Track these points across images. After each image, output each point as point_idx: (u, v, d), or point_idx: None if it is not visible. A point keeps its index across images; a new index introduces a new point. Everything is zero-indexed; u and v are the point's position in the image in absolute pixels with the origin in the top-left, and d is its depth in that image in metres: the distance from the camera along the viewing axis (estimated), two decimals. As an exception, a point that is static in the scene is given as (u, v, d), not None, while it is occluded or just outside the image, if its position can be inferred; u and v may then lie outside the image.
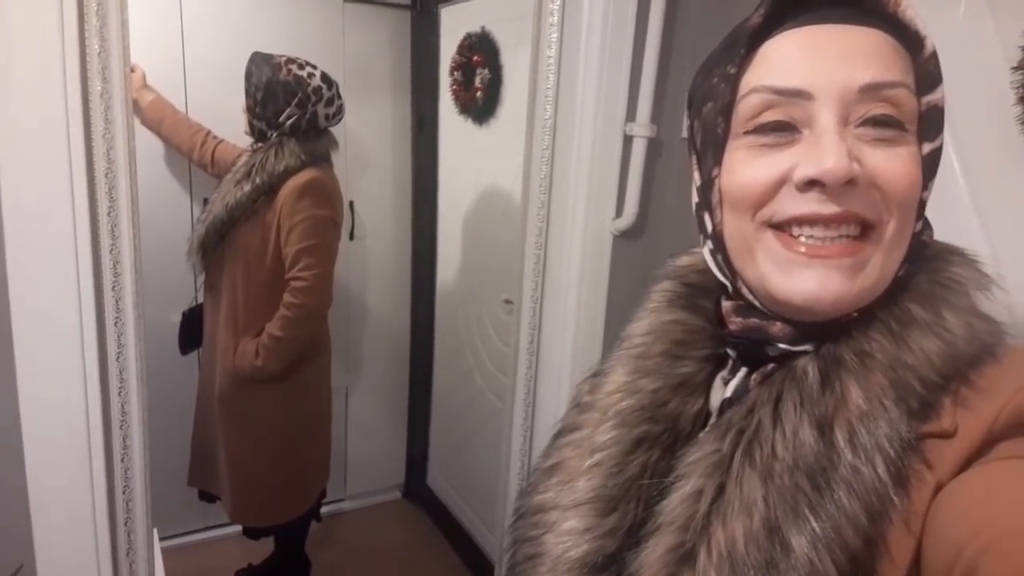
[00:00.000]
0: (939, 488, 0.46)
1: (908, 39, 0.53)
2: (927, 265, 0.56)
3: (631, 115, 1.55)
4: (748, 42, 0.55)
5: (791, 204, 0.52)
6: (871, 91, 0.51)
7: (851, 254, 0.51)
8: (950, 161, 0.96)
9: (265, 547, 2.50)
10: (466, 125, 2.56)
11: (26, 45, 1.07)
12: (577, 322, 1.60)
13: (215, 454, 2.22)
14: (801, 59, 0.52)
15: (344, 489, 3.05)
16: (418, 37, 2.76)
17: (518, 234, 1.69)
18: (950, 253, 0.57)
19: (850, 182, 0.50)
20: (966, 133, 0.95)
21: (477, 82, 2.43)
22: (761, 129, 0.54)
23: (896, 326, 0.52)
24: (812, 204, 0.51)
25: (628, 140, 1.56)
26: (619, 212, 1.59)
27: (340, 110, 2.11)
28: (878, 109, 0.51)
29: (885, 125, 0.51)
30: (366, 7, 2.68)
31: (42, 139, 1.09)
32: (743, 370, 0.59)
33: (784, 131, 0.53)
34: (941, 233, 0.60)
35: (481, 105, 2.43)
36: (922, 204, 0.54)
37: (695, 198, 0.62)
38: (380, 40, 2.74)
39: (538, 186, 1.61)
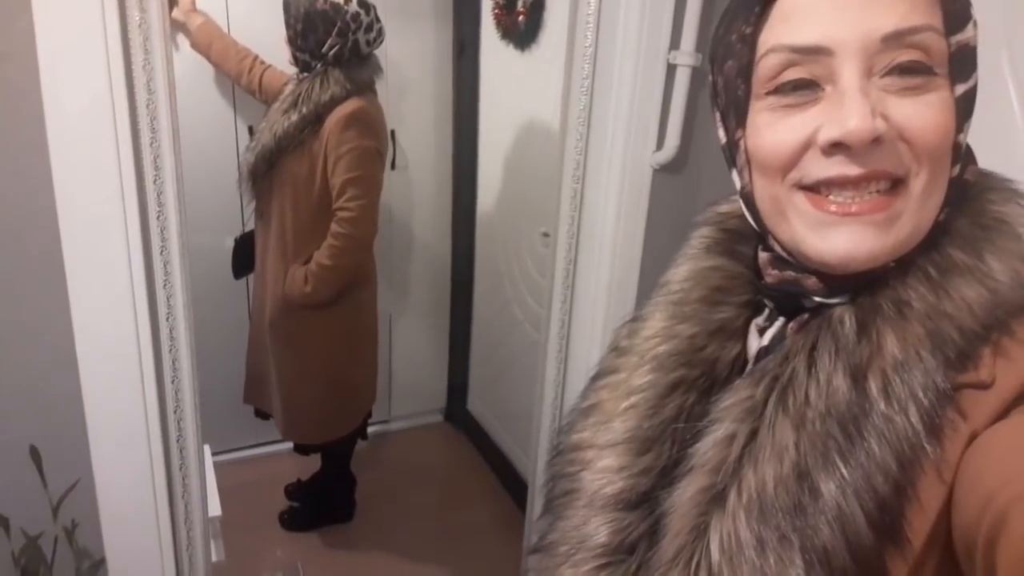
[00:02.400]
0: (973, 438, 0.46)
1: None
2: (968, 206, 0.54)
3: (675, 43, 1.49)
4: (763, 1, 0.52)
5: (818, 167, 0.51)
6: (895, 39, 0.48)
7: (882, 209, 0.50)
8: (1006, 87, 0.92)
9: (313, 463, 2.62)
10: (508, 51, 2.51)
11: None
12: (613, 257, 1.59)
13: (267, 375, 2.32)
14: (818, 12, 0.50)
15: (389, 411, 3.16)
16: (460, -42, 2.68)
17: (556, 165, 1.67)
18: (992, 190, 0.55)
19: (876, 140, 0.48)
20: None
21: (520, 5, 2.36)
22: (782, 89, 0.52)
23: (935, 273, 0.51)
24: (839, 166, 0.50)
25: (671, 69, 1.51)
26: (660, 145, 1.56)
27: (380, 33, 2.09)
28: (904, 56, 0.49)
29: (912, 72, 0.49)
30: (407, -73, 2.60)
31: (83, 73, 1.11)
32: (780, 320, 0.59)
33: (806, 89, 0.51)
34: (995, 164, 0.57)
35: (523, 30, 2.37)
36: (957, 147, 0.52)
37: (723, 155, 0.61)
38: (421, -39, 2.67)
39: (577, 116, 1.58)
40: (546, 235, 2.28)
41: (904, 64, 0.49)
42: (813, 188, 0.52)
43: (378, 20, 2.07)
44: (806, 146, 0.51)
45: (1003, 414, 0.46)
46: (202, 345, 1.39)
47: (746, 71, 0.54)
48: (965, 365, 0.48)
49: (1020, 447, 0.43)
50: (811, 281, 0.56)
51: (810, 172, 0.51)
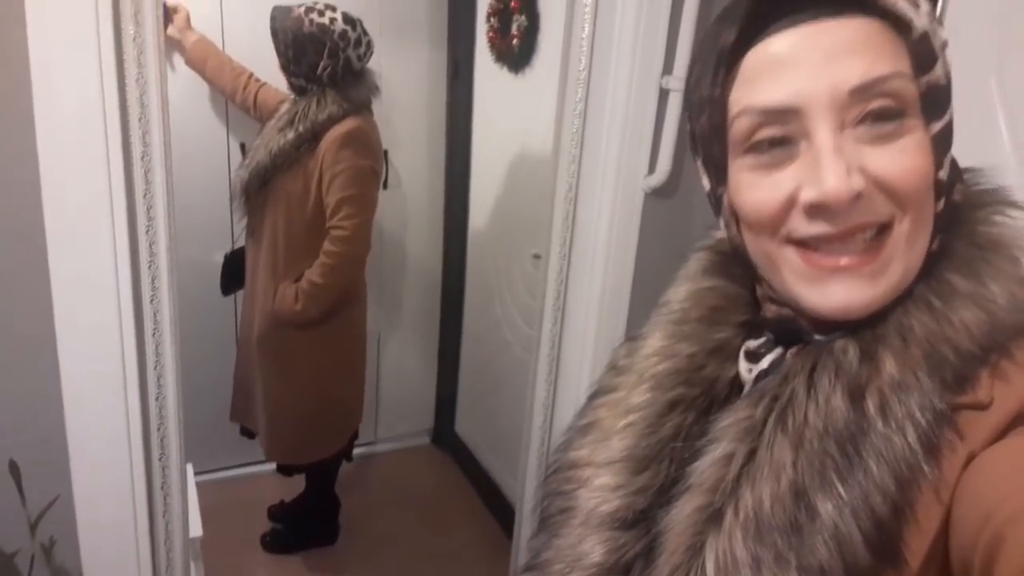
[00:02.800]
0: (971, 458, 0.46)
1: (895, 22, 0.50)
2: (961, 228, 0.54)
3: (668, 68, 1.50)
4: (728, 60, 0.53)
5: (803, 225, 0.51)
6: (863, 91, 0.49)
7: (872, 259, 0.50)
8: (995, 113, 0.93)
9: (297, 484, 2.59)
10: (501, 73, 2.52)
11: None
12: (604, 279, 1.59)
13: (254, 392, 2.30)
14: (784, 71, 0.50)
15: (375, 432, 3.13)
16: (456, -19, 2.71)
17: (549, 187, 1.68)
18: (983, 207, 0.55)
19: (856, 196, 0.49)
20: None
21: (514, 29, 2.38)
22: (758, 147, 0.52)
23: (936, 300, 0.51)
24: (822, 225, 0.50)
25: (664, 94, 1.52)
26: (652, 169, 1.56)
27: (369, 47, 2.10)
28: (875, 104, 0.49)
29: (884, 119, 0.49)
30: (404, -50, 2.63)
31: (76, 84, 1.10)
32: (779, 349, 0.59)
33: (782, 147, 0.51)
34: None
35: (517, 53, 2.39)
36: (938, 183, 0.52)
37: (709, 201, 0.62)
38: (418, -16, 2.69)
39: (570, 139, 1.59)
40: (537, 257, 2.28)
41: (875, 112, 0.49)
42: (802, 243, 0.52)
43: (365, 33, 2.08)
44: (790, 205, 0.51)
45: (1001, 435, 0.46)
46: (187, 362, 1.37)
47: (720, 130, 0.55)
48: (963, 387, 0.48)
49: (1017, 467, 0.44)
50: (806, 321, 0.56)
51: (796, 229, 0.52)
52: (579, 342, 1.65)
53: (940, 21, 1.02)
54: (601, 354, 1.59)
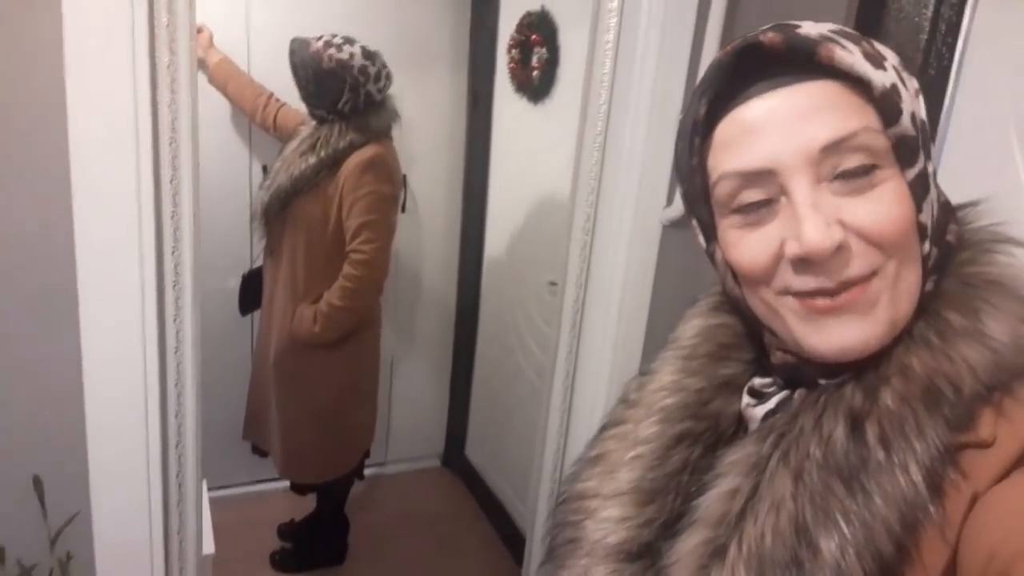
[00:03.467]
0: (975, 498, 0.47)
1: (855, 82, 0.52)
2: (954, 268, 0.55)
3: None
4: (702, 130, 0.56)
5: (793, 280, 0.53)
6: (834, 147, 0.51)
7: (862, 294, 0.52)
8: (1015, 165, 0.94)
9: (308, 503, 2.60)
10: (521, 103, 2.56)
11: (99, 16, 1.11)
12: (621, 309, 1.60)
13: (268, 412, 2.31)
14: (755, 136, 0.53)
15: (386, 453, 3.14)
16: (478, 13, 2.76)
17: (566, 216, 1.70)
18: (971, 247, 0.56)
19: (838, 248, 0.50)
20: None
21: (534, 61, 2.42)
22: (742, 209, 0.55)
23: (935, 338, 0.52)
24: (811, 280, 0.52)
25: (683, 128, 1.54)
26: (670, 201, 1.58)
27: (388, 78, 2.14)
28: (847, 162, 0.51)
29: (858, 174, 0.51)
30: (428, -20, 2.68)
31: (111, 109, 1.13)
32: (785, 392, 0.60)
33: (764, 206, 0.54)
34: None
35: (537, 84, 2.42)
36: (922, 227, 0.54)
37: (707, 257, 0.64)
38: (440, 15, 2.74)
39: (588, 171, 1.61)
40: (553, 284, 2.30)
41: (849, 169, 0.51)
42: (797, 295, 0.54)
43: (384, 66, 2.12)
44: (778, 258, 0.53)
45: (1005, 474, 0.47)
46: (204, 379, 1.39)
47: (704, 195, 0.58)
48: (965, 424, 0.49)
49: (1021, 507, 0.44)
50: (811, 368, 0.57)
51: (788, 283, 0.54)
52: (594, 371, 1.66)
53: (959, 71, 1.04)
54: (616, 383, 1.59)
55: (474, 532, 2.86)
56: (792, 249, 0.52)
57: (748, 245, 0.55)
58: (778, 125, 0.52)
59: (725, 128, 0.55)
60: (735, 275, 0.59)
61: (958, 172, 1.03)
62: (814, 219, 0.50)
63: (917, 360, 0.52)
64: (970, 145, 1.05)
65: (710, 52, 1.48)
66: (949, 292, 0.54)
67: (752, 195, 0.54)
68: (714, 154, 0.56)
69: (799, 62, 0.52)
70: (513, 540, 2.67)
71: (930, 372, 0.50)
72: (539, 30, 2.39)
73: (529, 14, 2.43)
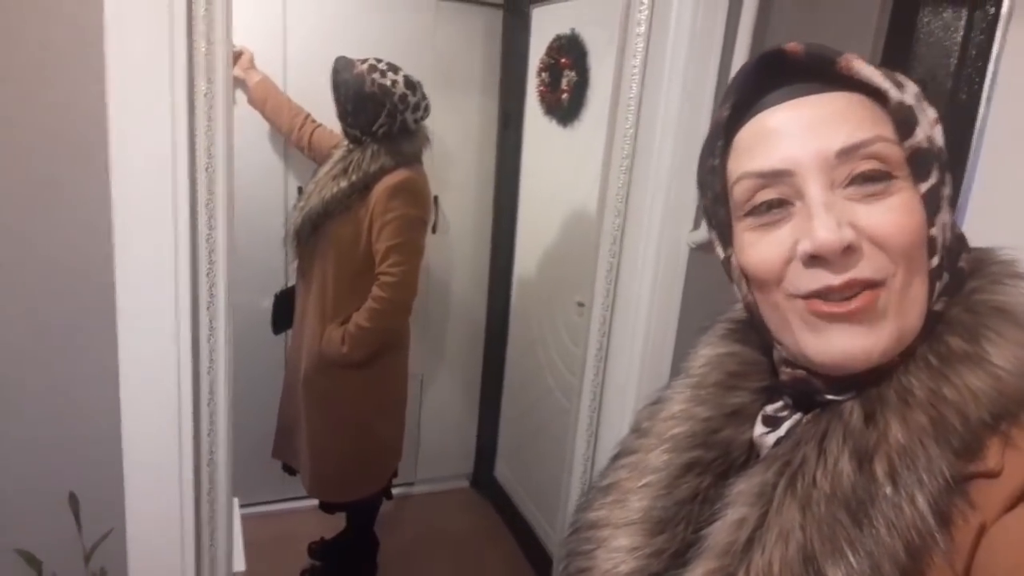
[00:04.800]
0: (983, 528, 0.46)
1: (873, 94, 0.55)
2: (961, 295, 0.56)
3: (714, 126, 1.53)
4: (724, 133, 0.59)
5: (803, 280, 0.54)
6: (848, 153, 0.53)
7: (869, 304, 0.52)
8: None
9: (338, 521, 2.61)
10: (550, 126, 2.58)
11: (140, 44, 1.15)
12: (647, 331, 1.60)
13: (297, 430, 2.34)
14: (774, 139, 0.55)
15: (415, 473, 3.14)
16: (509, 36, 2.79)
17: (594, 238, 1.70)
18: (980, 276, 0.57)
19: (848, 248, 0.51)
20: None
21: (564, 84, 2.44)
22: (757, 210, 0.56)
23: (936, 361, 0.53)
24: (821, 278, 0.53)
25: (710, 151, 1.54)
26: (696, 224, 1.58)
27: (426, 109, 2.18)
28: (861, 167, 0.53)
29: (872, 180, 0.53)
30: (460, 5, 2.73)
31: (150, 134, 1.17)
32: (798, 414, 0.60)
33: (779, 208, 0.55)
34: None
35: (566, 107, 2.44)
36: (931, 241, 0.54)
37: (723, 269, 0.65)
38: (471, 38, 2.78)
39: (615, 194, 1.62)
40: (581, 304, 2.30)
41: (863, 173, 0.53)
42: (806, 298, 0.55)
43: (424, 97, 2.16)
44: (788, 259, 0.55)
45: (1014, 503, 0.46)
46: (235, 397, 1.42)
47: (722, 198, 0.60)
48: (972, 454, 0.49)
49: None
50: (818, 381, 0.58)
51: (799, 285, 0.54)
52: (621, 394, 1.66)
53: (989, 95, 1.03)
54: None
55: (502, 554, 2.85)
56: (804, 247, 0.53)
57: (761, 246, 0.56)
58: (797, 130, 0.54)
59: (746, 132, 0.57)
60: (749, 282, 0.60)
61: (990, 195, 1.01)
62: (826, 218, 0.52)
63: (917, 382, 0.52)
64: (1001, 168, 1.04)
65: (737, 76, 1.48)
66: (954, 318, 0.55)
67: (767, 195, 0.55)
68: (735, 156, 0.58)
69: (820, 72, 0.55)
70: (540, 562, 2.65)
71: (933, 399, 0.51)
72: (568, 53, 2.41)
73: (559, 38, 2.46)
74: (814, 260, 0.53)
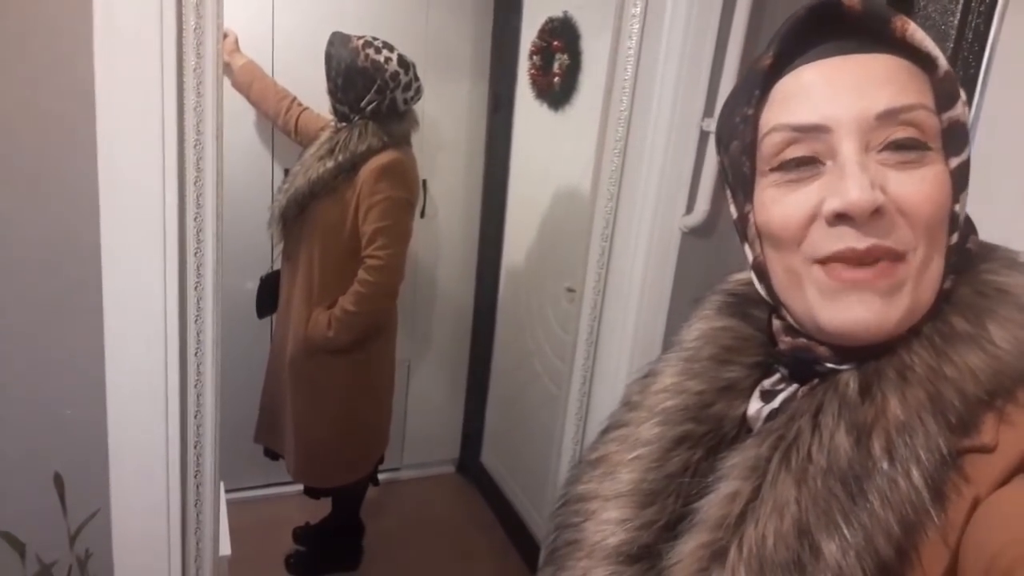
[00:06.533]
0: (977, 502, 0.47)
1: (920, 60, 0.54)
2: (970, 275, 0.56)
3: (709, 110, 1.52)
4: (762, 82, 0.57)
5: (825, 241, 0.53)
6: (888, 117, 0.52)
7: (888, 275, 0.52)
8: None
9: (323, 507, 2.60)
10: (541, 110, 2.56)
11: (128, 18, 1.12)
12: (638, 316, 1.59)
13: (282, 415, 2.32)
14: (815, 94, 0.54)
15: (401, 458, 3.14)
16: (500, 19, 2.76)
17: (585, 223, 1.70)
18: (994, 260, 0.57)
19: (877, 211, 0.51)
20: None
21: (555, 67, 2.42)
22: (785, 166, 0.55)
23: (939, 339, 0.52)
24: (844, 239, 0.52)
25: (704, 136, 1.54)
26: (689, 209, 1.57)
27: (418, 91, 2.15)
28: (898, 133, 0.52)
29: (907, 148, 0.52)
30: (451, -14, 2.70)
31: (138, 109, 1.15)
32: (793, 386, 0.60)
33: (808, 165, 0.54)
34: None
35: (558, 91, 2.43)
36: (954, 217, 0.54)
37: (735, 229, 0.64)
38: (462, 20, 2.75)
39: (608, 177, 1.61)
40: (571, 290, 2.29)
41: (899, 140, 0.52)
42: (825, 262, 0.54)
43: (417, 79, 2.14)
44: (812, 218, 0.54)
45: (1007, 479, 0.47)
46: (220, 380, 1.40)
47: (750, 150, 0.58)
48: (968, 430, 0.49)
49: (1022, 510, 0.44)
50: (822, 349, 0.57)
51: (819, 247, 0.54)
52: (611, 379, 1.65)
53: (985, 78, 1.03)
54: (633, 391, 1.58)
55: (487, 539, 2.85)
56: (831, 205, 0.52)
57: (785, 203, 0.55)
58: (840, 88, 0.53)
59: (786, 83, 0.56)
60: (763, 242, 0.59)
61: (984, 179, 1.01)
62: (860, 177, 0.51)
63: (918, 359, 0.52)
64: (997, 151, 1.04)
65: (732, 59, 1.48)
66: (961, 298, 0.55)
67: (798, 150, 0.54)
68: (769, 107, 0.56)
69: (870, 31, 0.54)
70: (526, 547, 2.66)
71: (932, 376, 0.51)
72: (561, 36, 2.39)
73: (551, 20, 2.44)
74: (840, 219, 0.52)
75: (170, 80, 1.16)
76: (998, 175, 1.02)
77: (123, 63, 1.12)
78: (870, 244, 0.51)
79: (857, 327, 0.53)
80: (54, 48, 1.09)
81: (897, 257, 0.52)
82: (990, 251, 0.58)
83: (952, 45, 1.12)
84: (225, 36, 2.37)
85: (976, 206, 0.59)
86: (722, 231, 1.62)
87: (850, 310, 0.53)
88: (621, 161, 1.58)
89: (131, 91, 1.14)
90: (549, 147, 2.56)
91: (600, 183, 1.63)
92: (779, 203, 0.56)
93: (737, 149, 0.59)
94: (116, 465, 1.23)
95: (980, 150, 1.05)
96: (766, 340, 0.65)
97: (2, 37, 1.06)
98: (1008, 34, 1.05)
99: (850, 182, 0.51)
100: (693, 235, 1.59)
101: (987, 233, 0.60)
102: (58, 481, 1.16)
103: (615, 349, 1.64)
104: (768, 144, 0.56)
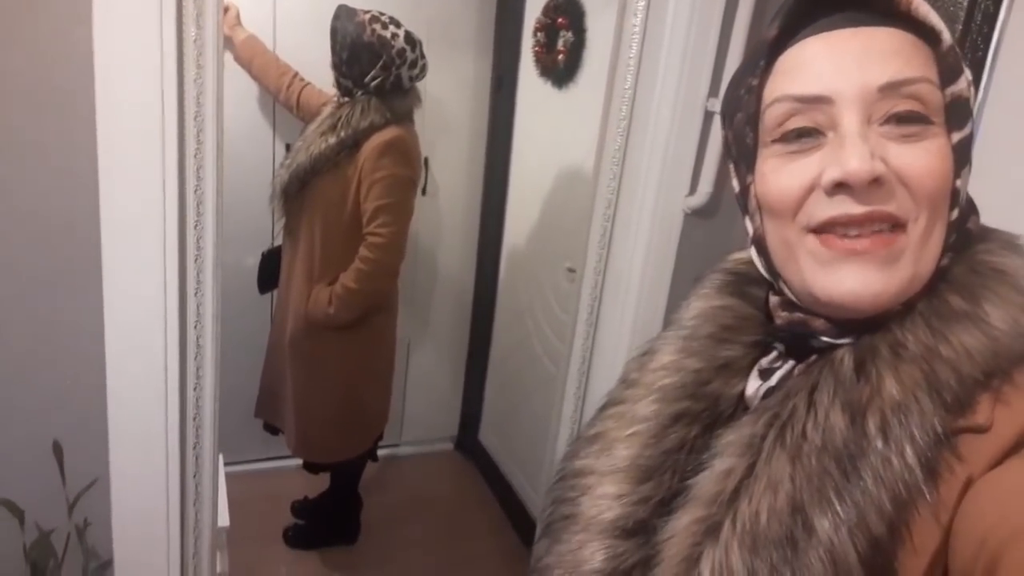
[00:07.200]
0: (970, 481, 0.47)
1: (925, 34, 0.54)
2: (967, 255, 0.56)
3: (714, 91, 1.51)
4: (767, 54, 0.57)
5: (822, 208, 0.53)
6: (891, 89, 0.52)
7: (886, 245, 0.52)
8: None
9: (322, 481, 2.62)
10: (545, 88, 2.54)
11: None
12: (639, 297, 1.59)
13: (282, 391, 2.33)
14: (819, 66, 0.54)
15: (400, 435, 3.15)
16: (505, -5, 2.73)
17: (587, 202, 1.69)
18: (992, 240, 0.57)
19: (876, 181, 0.51)
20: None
21: (560, 45, 2.40)
22: (787, 137, 0.55)
23: (934, 318, 0.52)
24: (842, 206, 0.52)
25: (709, 116, 1.53)
26: (693, 189, 1.57)
27: (423, 69, 2.14)
28: (901, 106, 0.52)
29: (909, 121, 0.52)
30: (455, -38, 2.67)
31: (137, 81, 1.14)
32: (790, 362, 0.60)
33: (809, 136, 0.54)
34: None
35: (562, 68, 2.41)
36: (955, 193, 0.54)
37: (737, 203, 0.64)
38: (467, -4, 2.73)
39: (611, 157, 1.60)
40: (571, 271, 2.29)
41: (901, 113, 0.52)
42: (820, 230, 0.54)
43: (423, 56, 2.12)
44: (811, 188, 0.54)
45: (1001, 459, 0.47)
46: (220, 354, 1.40)
47: (753, 120, 0.58)
48: (963, 410, 0.49)
49: (1015, 490, 0.44)
50: (819, 322, 0.57)
51: (816, 214, 0.54)
52: (610, 359, 1.66)
53: (994, 61, 1.02)
54: (631, 371, 1.59)
55: (485, 516, 2.88)
56: (831, 174, 0.52)
57: (784, 173, 0.55)
58: (843, 60, 0.53)
59: (791, 55, 0.56)
60: (762, 213, 0.59)
61: (992, 161, 1.01)
62: (860, 147, 0.51)
63: (912, 337, 0.52)
64: (1005, 134, 1.03)
65: (738, 38, 1.46)
66: (957, 276, 0.55)
67: (799, 121, 0.54)
68: (773, 79, 0.57)
69: (876, 3, 0.54)
70: (523, 524, 2.68)
71: (927, 354, 0.51)
72: (566, 13, 2.36)
73: (556, -3, 2.41)
74: (839, 188, 0.52)
75: (170, 52, 1.15)
76: (1005, 158, 1.01)
77: (122, 33, 1.11)
78: (868, 210, 0.52)
79: (852, 298, 0.53)
80: (51, 15, 1.08)
81: (897, 225, 0.52)
82: (989, 233, 0.58)
83: (961, 27, 1.11)
84: (226, 10, 2.35)
85: (982, 189, 0.59)
86: (725, 212, 1.61)
87: (845, 280, 0.53)
88: (624, 141, 1.57)
89: (130, 62, 1.13)
90: (552, 125, 2.55)
91: (603, 162, 1.62)
92: (778, 173, 0.56)
93: (741, 120, 0.59)
94: (115, 434, 1.23)
95: (987, 133, 1.05)
96: (765, 319, 0.65)
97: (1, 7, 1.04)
98: (1018, 16, 1.04)
99: (849, 151, 0.51)
100: (696, 216, 1.59)
101: (993, 215, 0.60)
102: (57, 449, 1.17)
103: (615, 329, 1.64)
104: (771, 115, 0.56)
